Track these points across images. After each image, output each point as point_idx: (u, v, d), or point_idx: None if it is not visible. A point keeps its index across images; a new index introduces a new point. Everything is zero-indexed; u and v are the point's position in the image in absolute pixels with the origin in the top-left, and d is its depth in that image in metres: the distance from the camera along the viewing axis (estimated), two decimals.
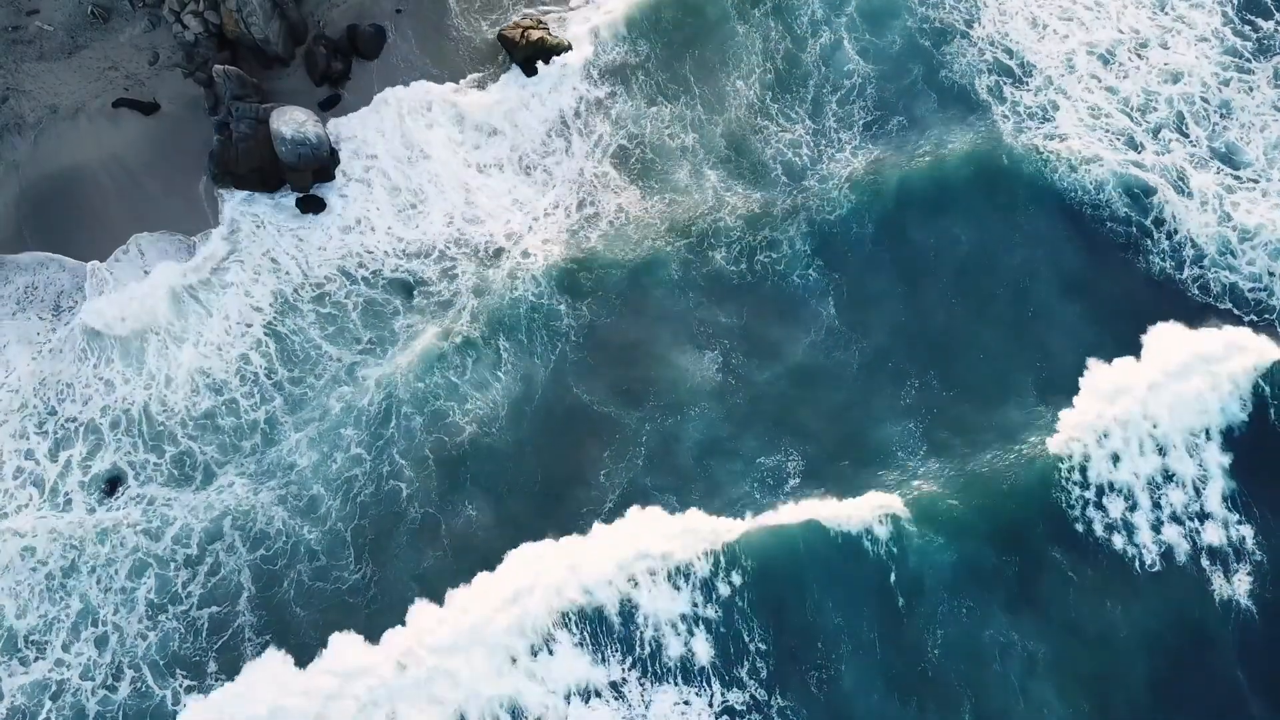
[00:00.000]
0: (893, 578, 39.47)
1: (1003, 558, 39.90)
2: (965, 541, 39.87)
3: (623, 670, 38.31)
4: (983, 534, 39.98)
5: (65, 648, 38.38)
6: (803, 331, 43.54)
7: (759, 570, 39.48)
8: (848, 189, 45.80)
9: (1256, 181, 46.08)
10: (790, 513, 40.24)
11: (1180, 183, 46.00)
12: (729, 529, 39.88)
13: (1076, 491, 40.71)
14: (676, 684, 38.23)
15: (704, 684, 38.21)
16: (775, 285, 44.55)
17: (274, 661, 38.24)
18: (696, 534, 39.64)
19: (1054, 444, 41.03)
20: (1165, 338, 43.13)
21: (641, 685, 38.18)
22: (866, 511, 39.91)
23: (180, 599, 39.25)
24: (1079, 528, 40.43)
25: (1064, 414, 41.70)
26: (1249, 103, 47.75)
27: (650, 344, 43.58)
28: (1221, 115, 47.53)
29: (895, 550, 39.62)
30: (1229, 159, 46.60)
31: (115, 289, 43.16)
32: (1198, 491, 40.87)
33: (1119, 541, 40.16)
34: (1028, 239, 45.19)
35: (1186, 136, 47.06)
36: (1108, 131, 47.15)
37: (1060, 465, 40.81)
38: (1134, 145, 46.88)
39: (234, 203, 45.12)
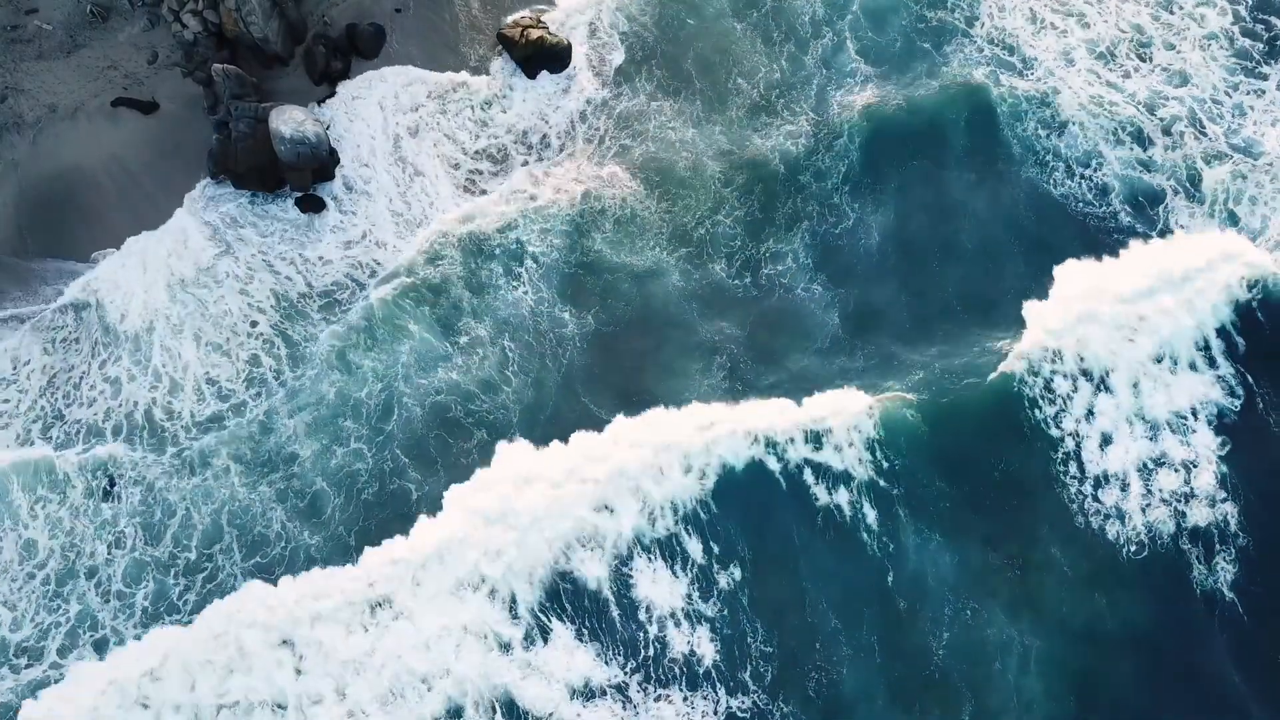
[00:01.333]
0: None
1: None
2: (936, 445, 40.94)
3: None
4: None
5: (61, 653, 38.21)
6: (808, 340, 43.56)
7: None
8: (849, 193, 45.85)
9: (1270, 165, 46.13)
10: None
11: (1190, 185, 45.94)
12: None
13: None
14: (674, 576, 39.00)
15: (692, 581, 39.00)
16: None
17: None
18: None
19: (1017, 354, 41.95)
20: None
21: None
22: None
23: (178, 609, 39.04)
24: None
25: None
26: (1258, 103, 47.57)
27: (656, 352, 43.45)
28: (1236, 115, 47.45)
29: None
30: (1243, 150, 46.63)
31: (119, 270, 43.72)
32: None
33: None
34: (1026, 242, 45.26)
35: (1203, 133, 47.00)
36: (1112, 118, 47.14)
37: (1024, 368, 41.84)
38: (1140, 140, 46.81)
39: (201, 197, 45.22)
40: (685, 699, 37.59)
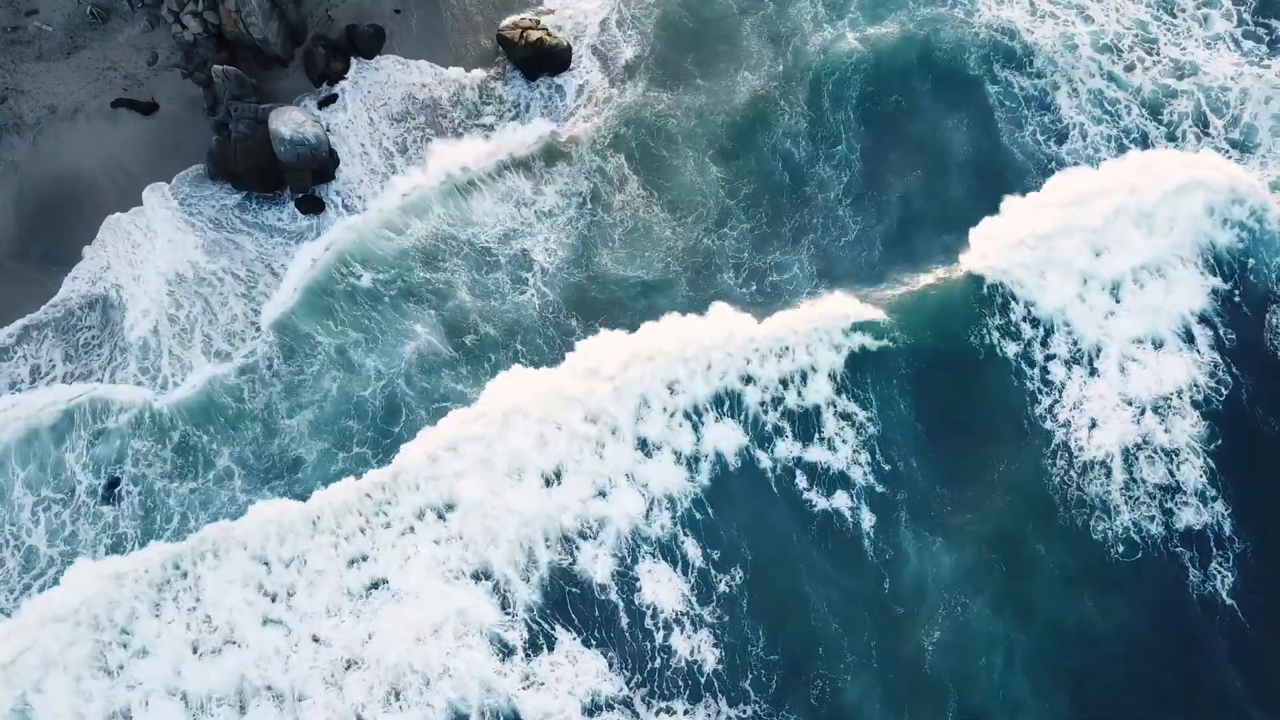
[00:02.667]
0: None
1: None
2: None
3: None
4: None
5: None
6: None
7: None
8: (851, 206, 45.93)
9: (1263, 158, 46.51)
10: None
11: None
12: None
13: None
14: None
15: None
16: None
17: None
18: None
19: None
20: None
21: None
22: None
23: None
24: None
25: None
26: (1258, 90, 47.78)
27: None
28: (1241, 101, 47.66)
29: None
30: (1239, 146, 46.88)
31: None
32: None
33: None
34: None
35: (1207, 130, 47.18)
36: (1115, 123, 47.18)
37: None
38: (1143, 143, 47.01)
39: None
40: (686, 712, 37.65)
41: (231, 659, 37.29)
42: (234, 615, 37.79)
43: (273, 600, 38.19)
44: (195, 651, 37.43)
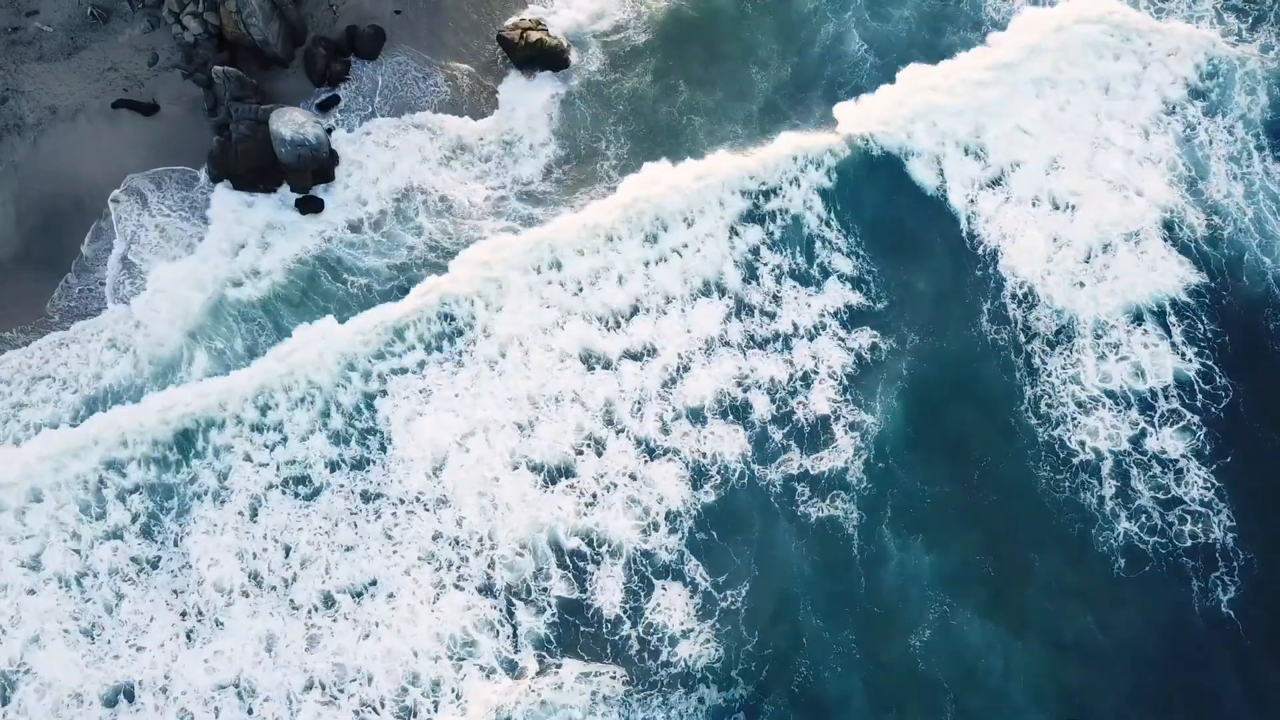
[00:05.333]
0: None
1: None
2: None
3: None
4: None
5: None
6: None
7: None
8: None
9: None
10: None
11: None
12: None
13: None
14: None
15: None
16: None
17: None
18: None
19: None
20: None
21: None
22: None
23: None
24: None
25: None
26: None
27: None
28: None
29: None
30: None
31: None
32: None
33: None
34: None
35: None
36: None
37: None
38: None
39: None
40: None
41: (225, 649, 37.71)
42: (224, 598, 38.25)
43: (271, 590, 38.56)
44: (189, 639, 37.97)
